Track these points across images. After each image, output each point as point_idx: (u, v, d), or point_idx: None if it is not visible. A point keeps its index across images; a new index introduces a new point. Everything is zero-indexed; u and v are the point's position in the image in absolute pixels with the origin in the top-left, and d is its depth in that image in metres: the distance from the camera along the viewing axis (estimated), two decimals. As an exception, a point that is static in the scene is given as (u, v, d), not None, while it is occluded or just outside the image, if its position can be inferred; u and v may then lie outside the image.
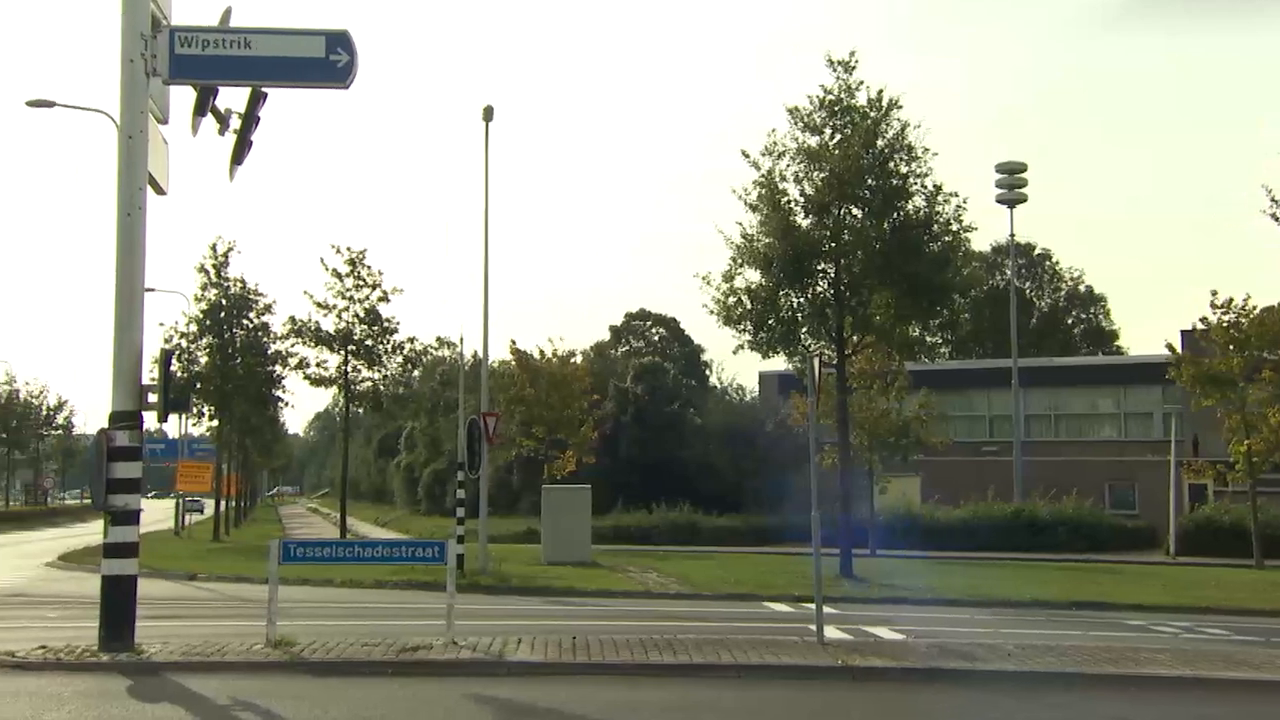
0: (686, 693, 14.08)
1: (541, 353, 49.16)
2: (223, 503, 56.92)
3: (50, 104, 38.47)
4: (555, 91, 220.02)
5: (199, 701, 12.64)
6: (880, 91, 31.38)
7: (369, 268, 44.48)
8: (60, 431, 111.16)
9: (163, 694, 13.10)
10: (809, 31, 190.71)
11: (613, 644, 16.72)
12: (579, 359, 54.95)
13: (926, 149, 31.56)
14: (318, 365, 45.65)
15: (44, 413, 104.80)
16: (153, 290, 39.48)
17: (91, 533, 53.62)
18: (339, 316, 44.32)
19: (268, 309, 50.38)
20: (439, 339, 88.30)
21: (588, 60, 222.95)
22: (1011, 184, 61.23)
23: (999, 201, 61.26)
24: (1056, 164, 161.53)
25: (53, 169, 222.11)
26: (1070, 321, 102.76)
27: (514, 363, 49.78)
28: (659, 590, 28.27)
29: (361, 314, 44.46)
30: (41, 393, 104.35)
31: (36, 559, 40.32)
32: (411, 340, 47.17)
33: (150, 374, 17.98)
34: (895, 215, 31.23)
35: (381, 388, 47.78)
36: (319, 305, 44.37)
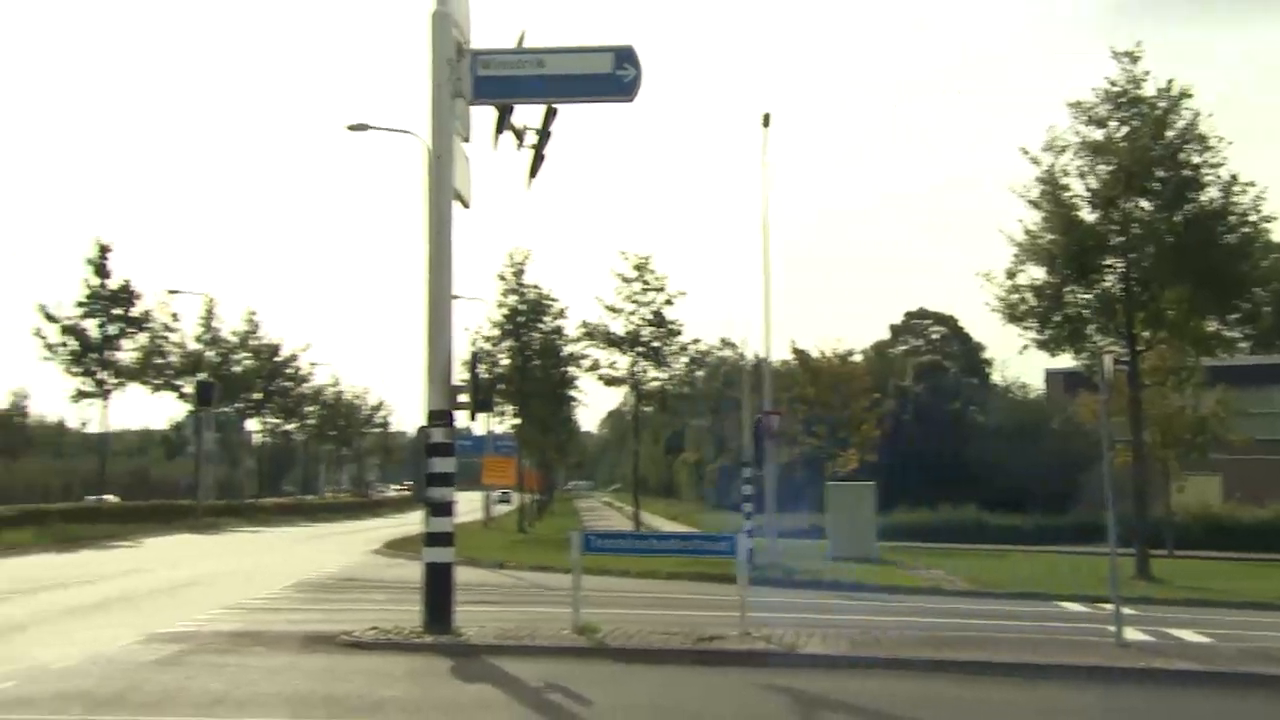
0: (981, 690, 13.81)
1: (822, 353, 49.03)
2: (525, 496, 58.62)
3: (366, 127, 40.05)
4: (829, 94, 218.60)
5: (514, 683, 13.07)
6: (1170, 81, 29.84)
7: (654, 272, 45.16)
8: (380, 429, 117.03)
9: (481, 674, 13.62)
10: (1092, 24, 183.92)
11: (904, 639, 16.55)
12: (858, 358, 54.59)
13: (1220, 138, 29.83)
14: (609, 366, 46.62)
15: (366, 413, 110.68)
16: (458, 298, 40.87)
17: (410, 523, 55.83)
18: (628, 319, 45.12)
19: (561, 313, 51.58)
20: (722, 340, 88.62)
21: (859, 63, 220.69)
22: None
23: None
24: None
25: (365, 187, 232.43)
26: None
27: (795, 362, 49.77)
28: (947, 587, 27.67)
29: (648, 317, 45.14)
30: (363, 394, 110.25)
31: (363, 546, 42.11)
32: (695, 341, 47.72)
33: (460, 376, 18.68)
34: (1188, 207, 29.71)
35: (668, 387, 48.48)
36: (609, 309, 45.28)
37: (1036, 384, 73.26)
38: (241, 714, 11.10)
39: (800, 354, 49.37)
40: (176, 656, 14.81)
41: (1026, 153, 30.92)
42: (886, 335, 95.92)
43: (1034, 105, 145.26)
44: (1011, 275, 31.09)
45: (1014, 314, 31.05)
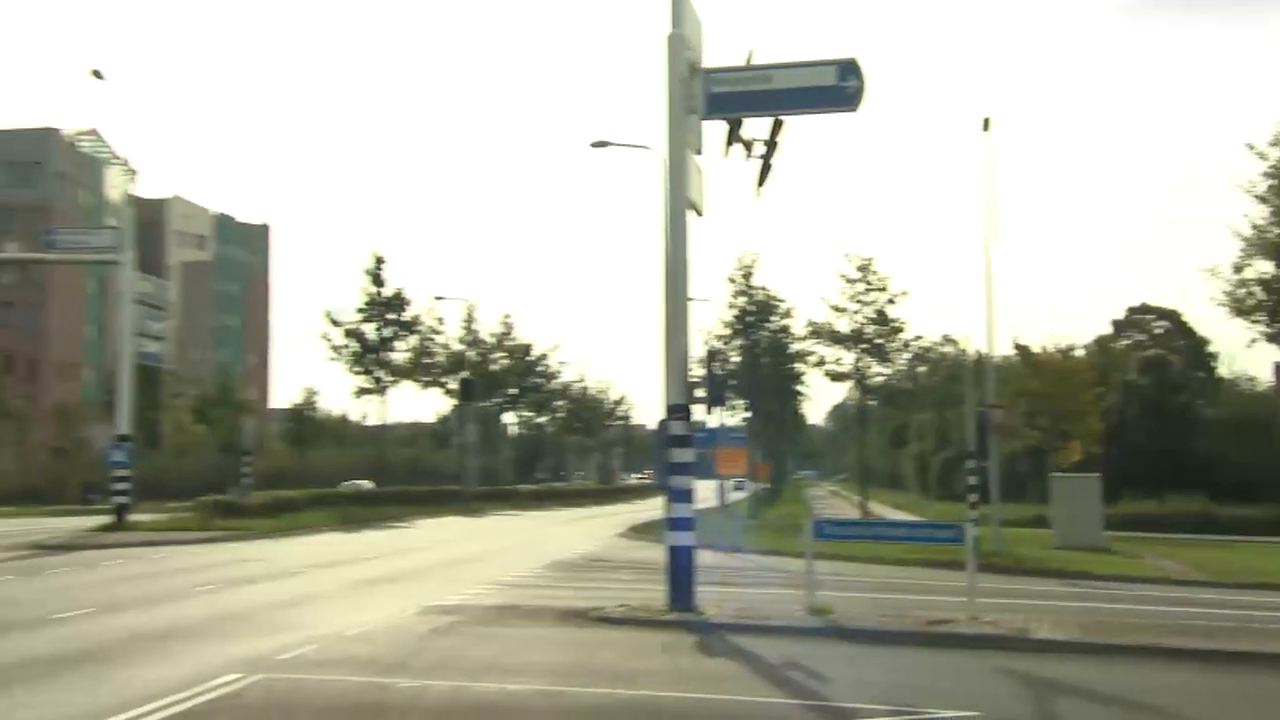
0: (1216, 679, 13.28)
1: (1044, 348, 47.88)
2: (755, 485, 58.83)
3: (606, 144, 40.74)
4: (1048, 96, 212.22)
5: (754, 659, 13.22)
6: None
7: (877, 273, 44.90)
8: (622, 422, 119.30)
9: (723, 650, 13.84)
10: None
11: (1135, 626, 16.11)
12: (1080, 353, 53.06)
13: None
14: (834, 362, 46.56)
15: (609, 407, 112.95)
16: (693, 300, 41.38)
17: (650, 508, 56.56)
18: (852, 318, 44.97)
19: (788, 313, 51.71)
20: (944, 337, 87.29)
21: (1079, 63, 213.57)
22: None
23: None
24: None
25: (606, 199, 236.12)
26: None
27: (1017, 357, 48.71)
28: (1178, 577, 26.50)
29: (872, 315, 44.89)
30: (607, 390, 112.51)
31: (608, 530, 42.91)
32: (918, 338, 47.30)
33: (695, 373, 18.97)
34: None
35: (892, 382, 48.16)
36: (834, 309, 45.20)
37: (1265, 377, 70.01)
38: (509, 680, 11.53)
39: (1022, 349, 48.27)
40: (450, 627, 15.47)
41: (1253, 148, 29.69)
42: (1109, 330, 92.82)
43: (1260, 99, 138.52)
44: (1239, 269, 29.91)
45: (1241, 308, 29.85)
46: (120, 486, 38.95)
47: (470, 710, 10.22)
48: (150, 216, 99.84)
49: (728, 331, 51.47)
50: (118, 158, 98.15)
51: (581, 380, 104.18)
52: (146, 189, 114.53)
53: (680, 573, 16.47)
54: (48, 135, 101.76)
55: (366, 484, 65.78)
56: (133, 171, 52.77)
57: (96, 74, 39.19)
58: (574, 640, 14.51)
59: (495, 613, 17.21)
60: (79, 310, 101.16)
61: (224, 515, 40.60)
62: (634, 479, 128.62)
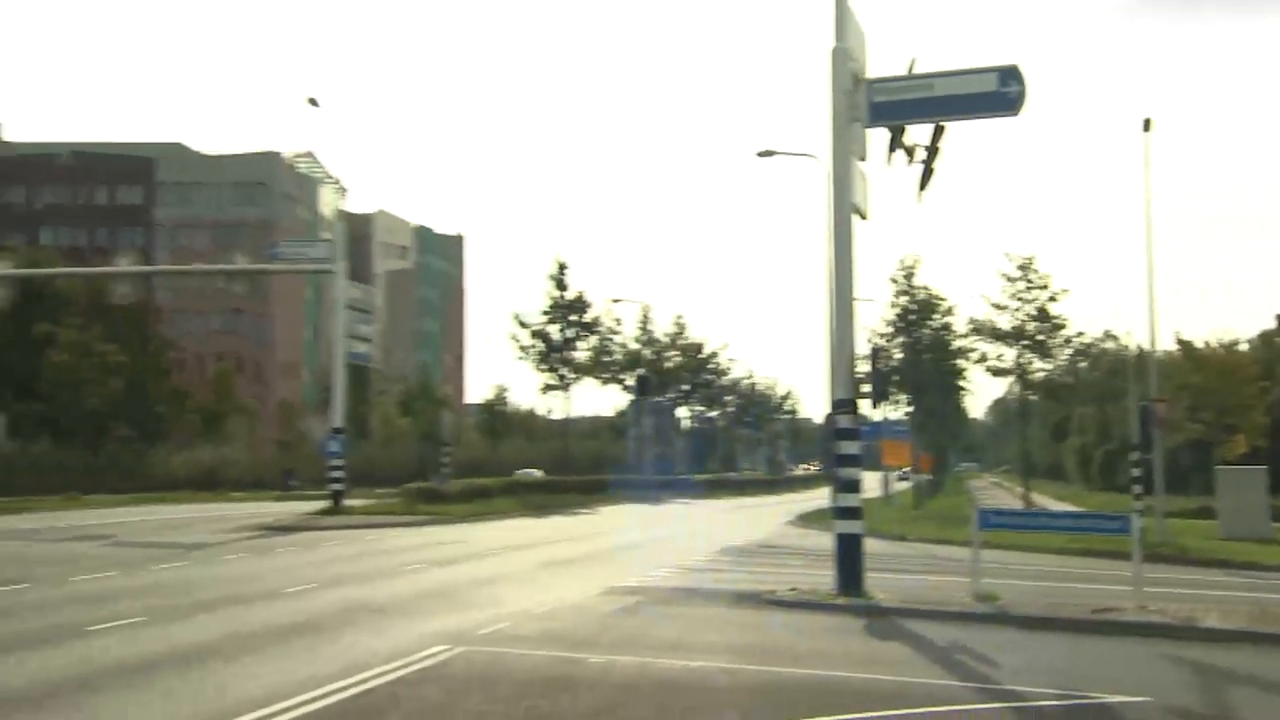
0: None
1: (1206, 342, 46.07)
2: (919, 476, 57.95)
3: (772, 153, 40.52)
4: (1209, 96, 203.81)
5: (922, 641, 12.97)
6: None
7: (1037, 271, 43.73)
8: (788, 416, 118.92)
9: (892, 633, 13.61)
10: None
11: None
12: (1244, 347, 50.91)
13: None
14: (995, 358, 45.52)
15: (776, 401, 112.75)
16: (856, 300, 40.96)
17: (816, 498, 56.06)
18: (1013, 316, 43.90)
19: (949, 311, 50.72)
20: (1105, 332, 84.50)
21: (1240, 64, 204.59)
22: None
23: None
24: None
25: (771, 204, 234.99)
26: None
27: (1179, 352, 46.93)
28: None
29: (1032, 313, 43.76)
30: (773, 386, 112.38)
31: (777, 518, 42.68)
32: (1079, 334, 45.89)
33: (860, 369, 18.70)
34: None
35: (1053, 377, 46.85)
36: (995, 306, 44.17)
37: None
38: (690, 658, 11.51)
39: (1185, 344, 46.51)
40: (632, 607, 15.55)
41: None
42: (1273, 325, 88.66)
43: None
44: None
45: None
46: (335, 474, 40.21)
47: (655, 685, 10.23)
48: (359, 230, 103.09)
49: (890, 330, 50.82)
50: (330, 177, 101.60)
51: (750, 377, 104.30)
52: (355, 205, 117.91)
53: (848, 559, 16.25)
54: (271, 158, 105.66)
55: (537, 472, 66.68)
56: (343, 189, 54.50)
57: (312, 102, 40.66)
58: (749, 621, 14.45)
59: (674, 594, 17.21)
60: (298, 316, 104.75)
61: (426, 501, 41.62)
62: (800, 470, 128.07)
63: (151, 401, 73.28)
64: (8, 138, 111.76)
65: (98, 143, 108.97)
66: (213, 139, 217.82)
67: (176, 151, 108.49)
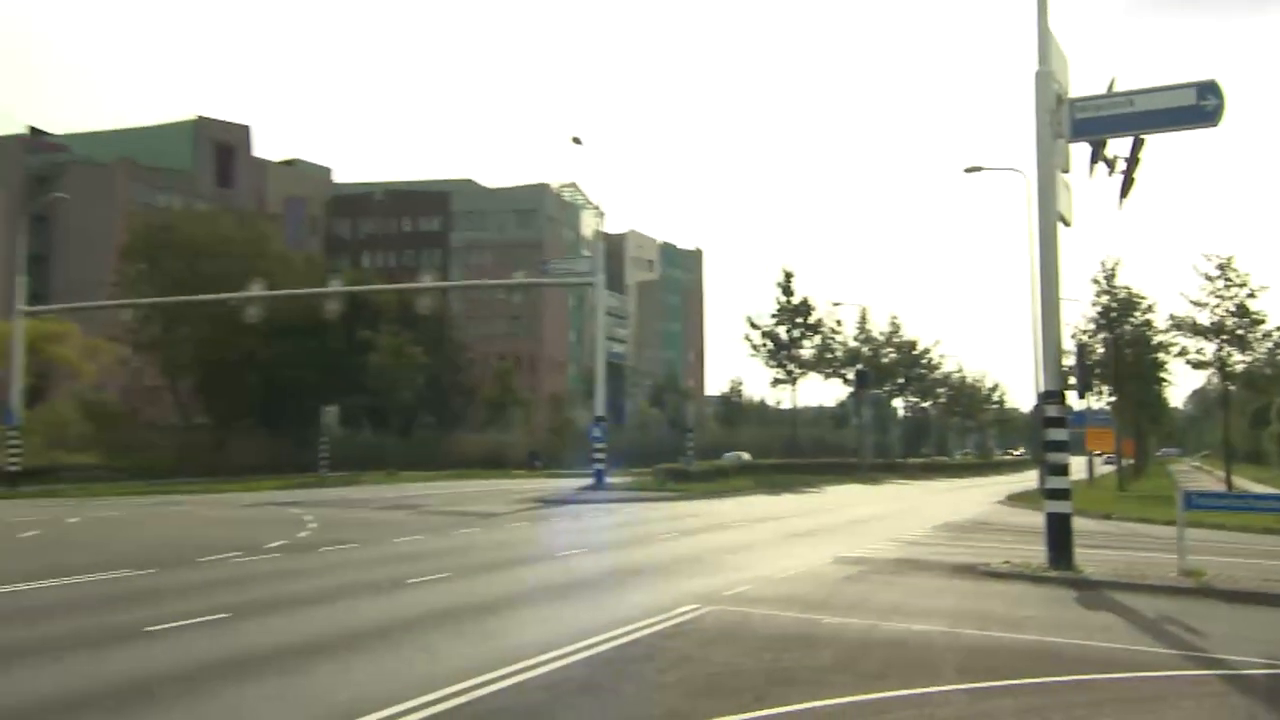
0: None
1: None
2: (1122, 461, 55.13)
3: (979, 169, 39.20)
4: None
5: (1130, 612, 12.25)
6: None
7: (1236, 270, 40.86)
8: (996, 406, 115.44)
9: (1101, 604, 12.90)
10: None
11: None
12: None
13: None
14: (1195, 352, 42.85)
15: (985, 392, 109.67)
16: (1061, 300, 39.29)
17: (1023, 481, 53.95)
18: (1212, 312, 41.18)
19: (1149, 309, 48.03)
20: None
21: None
22: None
23: None
24: None
25: (975, 214, 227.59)
26: None
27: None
28: None
29: (1232, 309, 40.93)
30: (982, 378, 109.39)
31: (987, 498, 41.21)
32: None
33: (1065, 363, 17.86)
34: None
35: (1253, 369, 43.74)
36: (1194, 303, 41.54)
37: None
38: (912, 621, 11.21)
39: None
40: (858, 575, 15.26)
41: None
42: None
43: None
44: None
45: None
46: (598, 456, 41.07)
47: (884, 644, 9.98)
48: (614, 247, 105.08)
49: (1093, 326, 48.63)
50: (590, 203, 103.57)
51: (960, 371, 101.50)
52: (611, 226, 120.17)
53: (1058, 535, 15.53)
54: (541, 189, 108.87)
55: (745, 455, 66.15)
56: (601, 213, 55.46)
57: (576, 140, 41.63)
58: (965, 590, 13.95)
59: (896, 565, 16.81)
60: (564, 321, 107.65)
61: (673, 479, 42.05)
62: (1008, 455, 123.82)
63: (448, 394, 76.59)
64: (336, 180, 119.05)
65: (404, 181, 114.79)
66: (495, 174, 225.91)
67: (466, 186, 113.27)
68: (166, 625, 10.37)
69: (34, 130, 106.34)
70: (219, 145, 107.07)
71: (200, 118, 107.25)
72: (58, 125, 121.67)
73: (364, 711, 7.09)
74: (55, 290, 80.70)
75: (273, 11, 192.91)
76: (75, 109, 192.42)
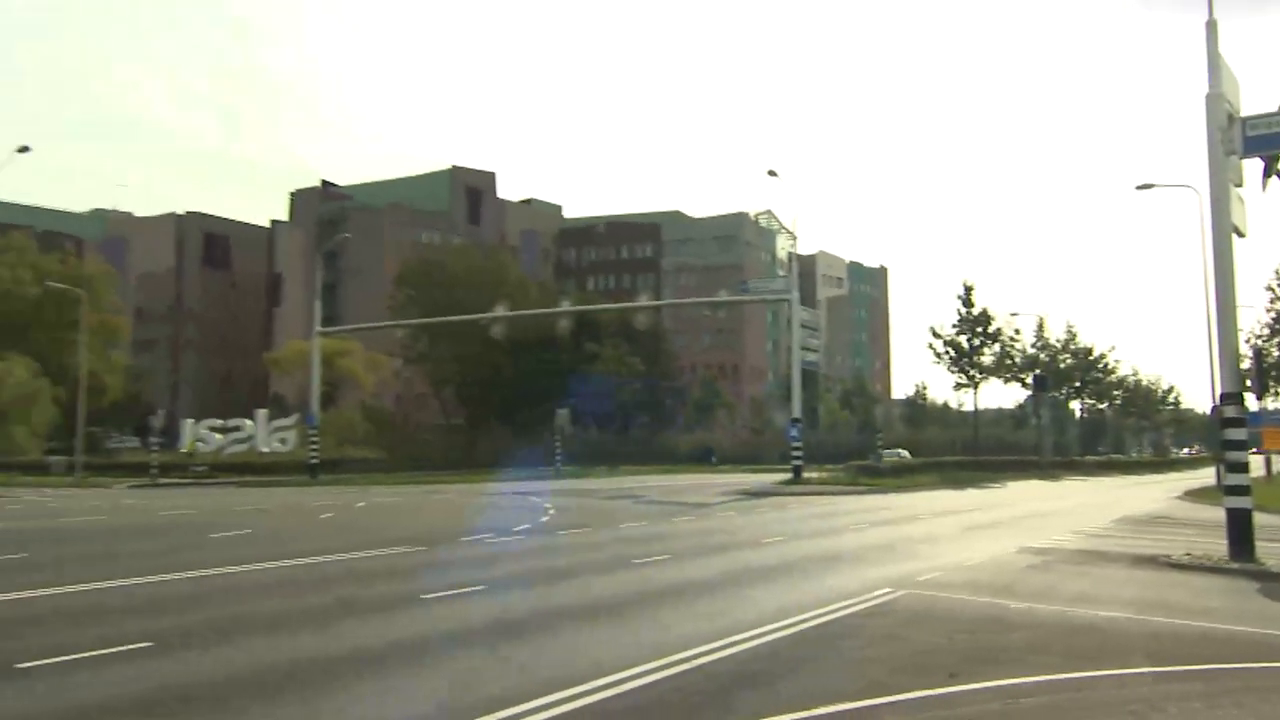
0: None
1: None
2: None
3: (1151, 186, 36.80)
4: None
5: (1316, 604, 11.28)
6: None
7: None
8: (1171, 407, 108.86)
9: (1284, 596, 11.93)
10: None
11: None
12: None
13: None
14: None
15: (1160, 394, 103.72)
16: (1236, 306, 36.39)
17: (1199, 478, 50.25)
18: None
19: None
20: None
21: None
22: None
23: None
24: None
25: (1145, 229, 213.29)
26: None
27: None
28: None
29: None
30: (1157, 381, 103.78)
31: (1165, 494, 38.55)
32: None
33: (1242, 366, 16.55)
34: None
35: None
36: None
37: None
38: (1098, 608, 10.60)
39: None
40: (1043, 564, 14.55)
41: None
42: None
43: None
44: None
45: None
46: (796, 453, 40.73)
47: (1071, 629, 9.49)
48: (805, 267, 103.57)
49: (1267, 331, 45.06)
50: (784, 228, 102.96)
51: (1135, 374, 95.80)
52: (803, 248, 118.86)
53: (1239, 528, 14.42)
54: (740, 217, 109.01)
55: (904, 453, 63.67)
56: (793, 236, 55.05)
57: (771, 173, 41.56)
58: (1148, 580, 13.12)
59: (1078, 555, 15.91)
60: (762, 333, 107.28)
61: (864, 475, 41.23)
62: (1183, 453, 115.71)
63: (661, 398, 77.45)
64: (565, 215, 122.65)
65: (621, 214, 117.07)
66: (700, 205, 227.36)
67: (675, 217, 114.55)
68: (439, 594, 10.87)
69: (325, 183, 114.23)
70: (470, 189, 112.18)
71: (455, 167, 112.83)
72: (342, 178, 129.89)
73: (609, 671, 7.26)
74: (342, 314, 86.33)
75: (513, 73, 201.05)
76: (356, 162, 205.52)
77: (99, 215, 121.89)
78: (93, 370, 54.00)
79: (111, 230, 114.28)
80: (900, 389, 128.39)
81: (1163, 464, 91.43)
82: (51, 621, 9.52)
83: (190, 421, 57.85)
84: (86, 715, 6.33)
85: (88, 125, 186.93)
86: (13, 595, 10.91)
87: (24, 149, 38.23)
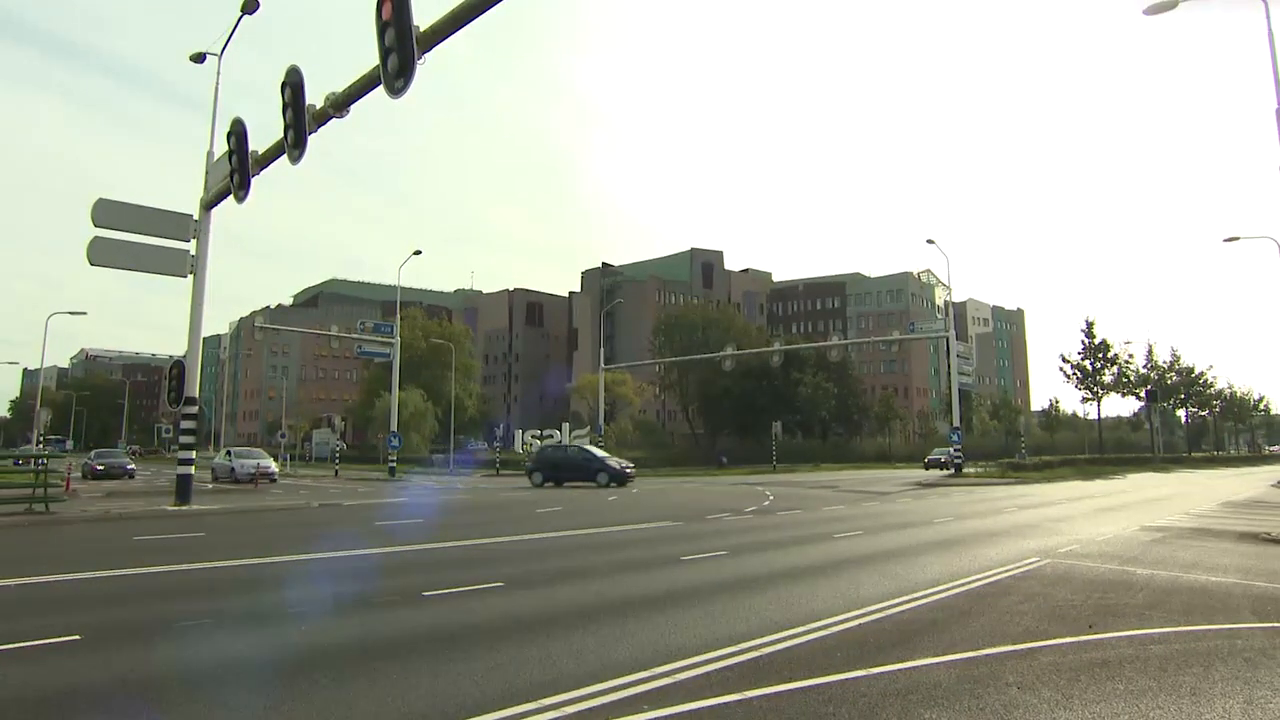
0: None
1: None
2: None
3: (1237, 239, 30.20)
4: None
5: None
6: None
7: None
8: (1263, 412, 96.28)
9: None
10: None
11: None
12: None
13: None
14: None
15: (1253, 402, 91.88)
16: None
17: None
18: None
19: None
20: None
21: None
22: None
23: None
24: None
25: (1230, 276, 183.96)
26: None
27: None
28: None
29: None
30: (1249, 392, 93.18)
31: (1262, 483, 33.79)
32: None
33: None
34: None
35: None
36: None
37: None
38: (1209, 574, 9.72)
39: None
40: (1160, 539, 13.30)
41: None
42: None
43: None
44: None
45: None
46: (956, 454, 38.59)
47: (1187, 590, 8.80)
48: (958, 311, 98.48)
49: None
50: (941, 282, 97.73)
51: (1231, 387, 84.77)
52: (956, 295, 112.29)
53: (1342, 518, 12.69)
54: (906, 275, 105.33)
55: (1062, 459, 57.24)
56: (949, 288, 52.42)
57: (930, 241, 39.97)
58: (1252, 552, 11.76)
59: (1190, 532, 14.38)
60: (926, 362, 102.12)
61: (1013, 470, 38.55)
62: (1274, 449, 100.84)
63: (850, 412, 75.26)
64: (775, 279, 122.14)
65: (815, 276, 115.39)
66: (875, 265, 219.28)
67: (856, 277, 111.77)
68: (693, 557, 10.77)
69: (605, 264, 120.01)
70: (704, 264, 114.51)
71: (693, 248, 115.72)
72: (616, 258, 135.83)
73: (820, 618, 7.22)
74: (617, 355, 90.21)
75: (735, 176, 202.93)
76: (627, 246, 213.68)
77: (461, 294, 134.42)
78: (458, 396, 59.77)
79: (468, 302, 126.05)
80: (1037, 403, 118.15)
81: (1256, 459, 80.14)
82: (446, 568, 10.06)
83: (520, 430, 62.35)
84: (474, 628, 6.68)
85: (458, 233, 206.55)
86: (420, 546, 12.11)
87: (417, 252, 43.58)
